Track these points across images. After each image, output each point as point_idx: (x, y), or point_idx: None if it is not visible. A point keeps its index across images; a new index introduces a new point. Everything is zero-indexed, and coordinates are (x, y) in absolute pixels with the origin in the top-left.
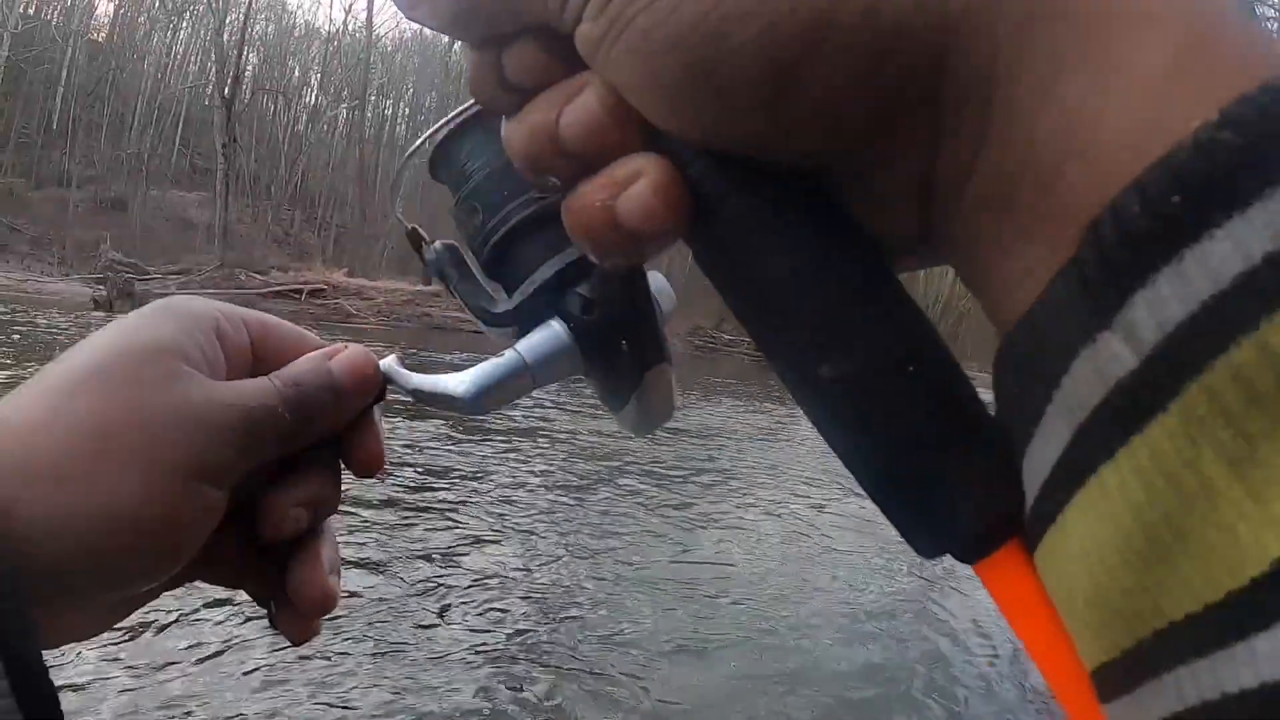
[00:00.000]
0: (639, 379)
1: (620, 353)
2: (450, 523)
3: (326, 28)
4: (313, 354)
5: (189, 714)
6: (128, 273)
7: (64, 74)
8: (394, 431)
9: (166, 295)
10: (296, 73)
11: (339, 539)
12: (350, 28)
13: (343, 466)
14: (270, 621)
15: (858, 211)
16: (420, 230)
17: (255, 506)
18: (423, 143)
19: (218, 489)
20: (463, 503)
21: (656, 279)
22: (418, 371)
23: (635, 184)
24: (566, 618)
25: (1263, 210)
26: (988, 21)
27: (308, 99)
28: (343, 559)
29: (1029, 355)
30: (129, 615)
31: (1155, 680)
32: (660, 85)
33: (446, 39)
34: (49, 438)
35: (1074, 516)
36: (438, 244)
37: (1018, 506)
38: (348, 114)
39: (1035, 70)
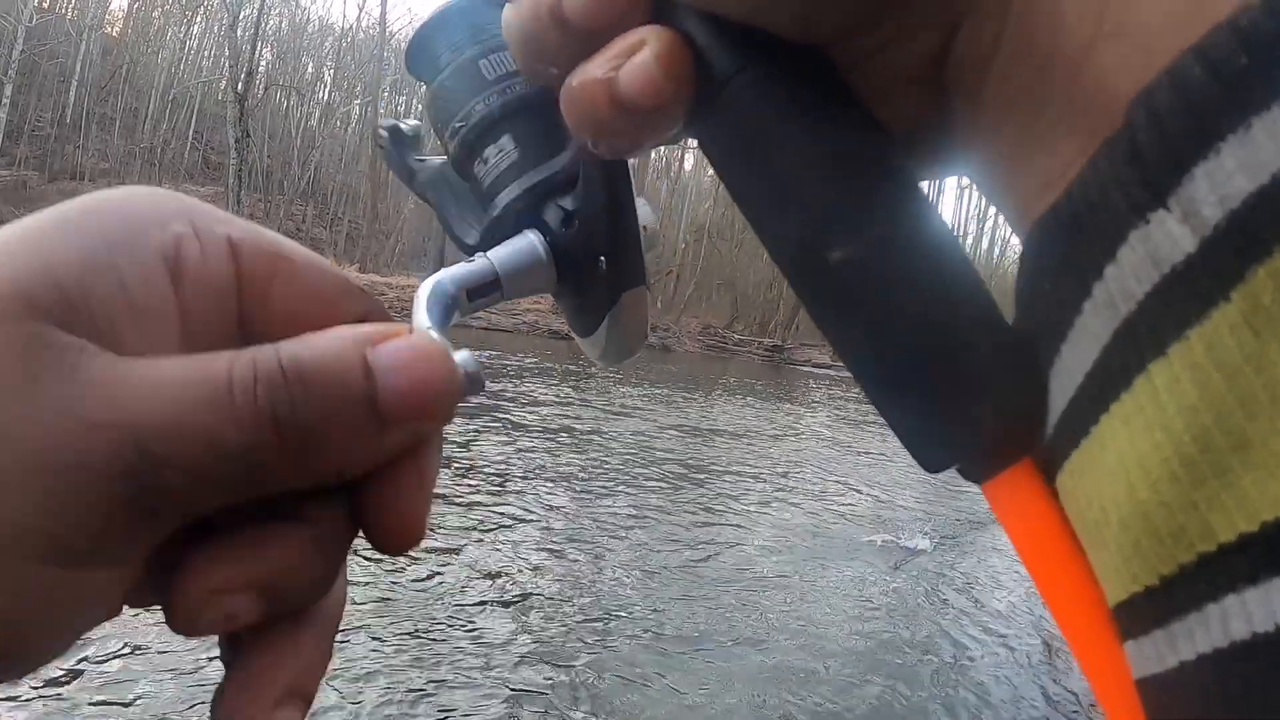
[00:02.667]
0: (615, 300)
1: (598, 272)
2: (472, 518)
3: (340, 23)
4: (345, 331)
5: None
6: None
7: (78, 68)
8: None
9: None
10: (310, 68)
11: None
12: (364, 24)
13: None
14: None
15: (866, 96)
16: (401, 126)
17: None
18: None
19: (102, 569)
20: (487, 495)
21: (639, 200)
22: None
23: (638, 53)
24: (586, 610)
25: None
26: None
27: (321, 95)
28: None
29: (1064, 246)
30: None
31: (1196, 612)
32: None
33: None
34: None
35: (1113, 425)
36: (427, 164)
37: (1033, 423)
38: (360, 110)
39: None
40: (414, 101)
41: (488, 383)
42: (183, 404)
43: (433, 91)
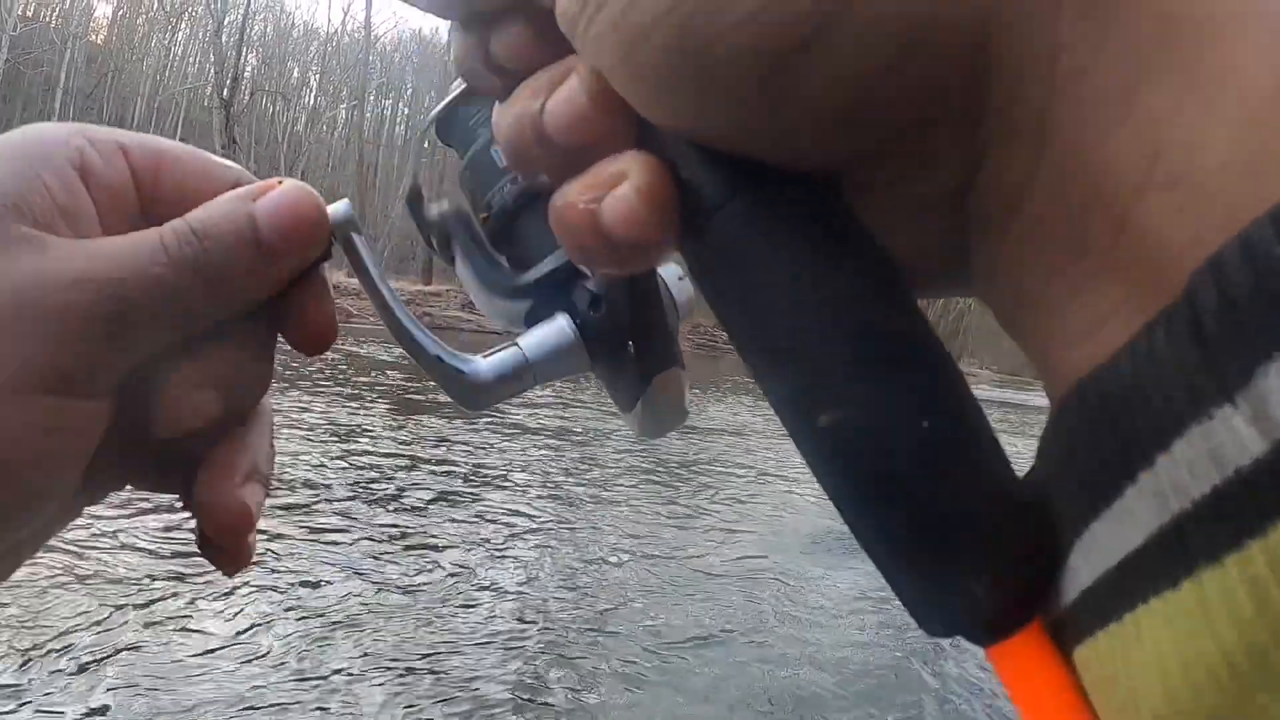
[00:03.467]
0: (646, 384)
1: (627, 354)
2: (469, 516)
3: (325, 28)
4: (230, 194)
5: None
6: None
7: (63, 76)
8: (420, 426)
9: None
10: (295, 73)
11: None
12: (348, 28)
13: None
14: (199, 543)
15: (875, 228)
16: (420, 186)
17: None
18: (442, 108)
19: (87, 399)
20: (484, 492)
21: (672, 273)
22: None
23: (620, 186)
24: (583, 606)
25: None
26: (1045, 8)
27: (306, 99)
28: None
29: (1109, 420)
30: (36, 550)
31: None
32: (643, 68)
33: (445, 38)
34: None
35: (1152, 620)
36: (445, 204)
37: (1042, 593)
38: (347, 114)
39: (1109, 73)
40: (400, 105)
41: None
42: (139, 261)
43: (465, 165)
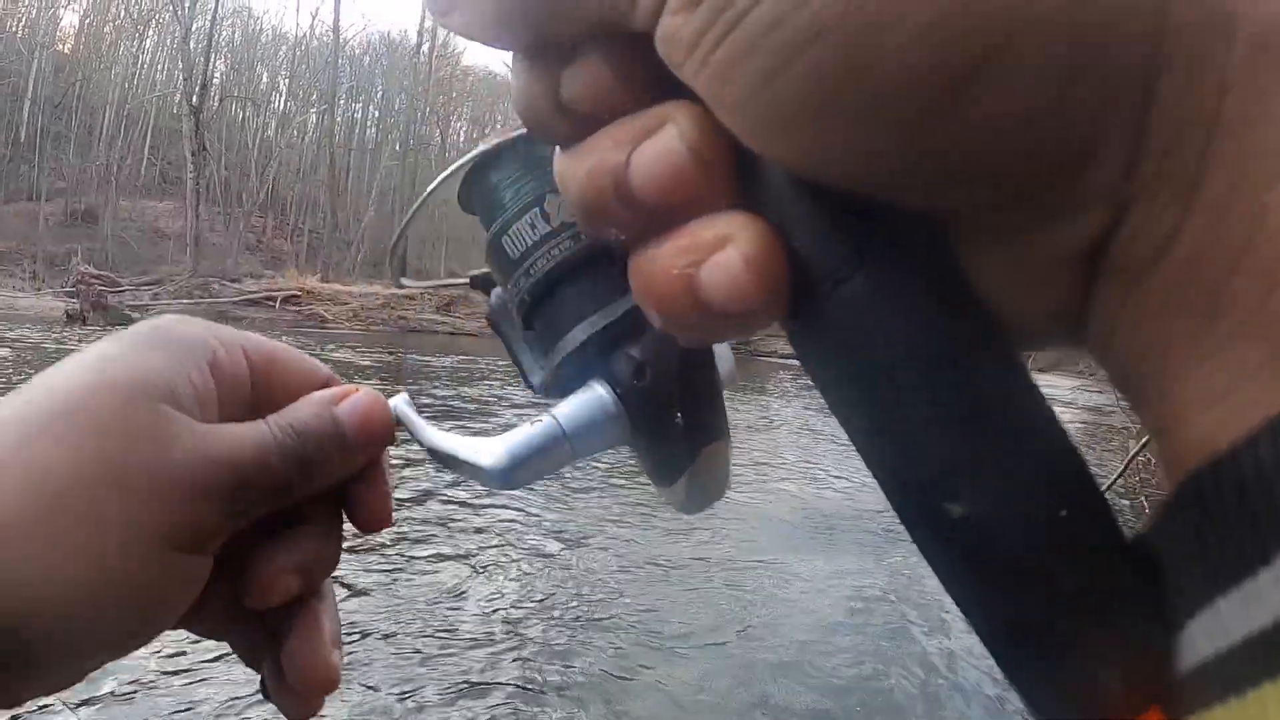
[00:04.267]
0: (694, 456)
1: (674, 425)
2: (456, 517)
3: (293, 32)
4: (317, 396)
5: None
6: (100, 285)
7: (30, 86)
8: None
9: (140, 307)
10: (264, 78)
11: None
12: (317, 31)
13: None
14: (263, 692)
15: (994, 282)
16: (484, 276)
17: (242, 564)
18: (442, 180)
19: (202, 555)
20: (470, 493)
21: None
22: (432, 421)
23: (722, 251)
24: (574, 602)
25: None
26: (1224, 39)
27: (276, 104)
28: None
29: (1246, 503)
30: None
31: None
32: (784, 101)
33: (414, 40)
34: (9, 480)
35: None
36: (496, 295)
37: (1163, 666)
38: (317, 118)
39: (1277, 122)
40: (370, 109)
41: (465, 389)
42: (255, 450)
43: (493, 236)
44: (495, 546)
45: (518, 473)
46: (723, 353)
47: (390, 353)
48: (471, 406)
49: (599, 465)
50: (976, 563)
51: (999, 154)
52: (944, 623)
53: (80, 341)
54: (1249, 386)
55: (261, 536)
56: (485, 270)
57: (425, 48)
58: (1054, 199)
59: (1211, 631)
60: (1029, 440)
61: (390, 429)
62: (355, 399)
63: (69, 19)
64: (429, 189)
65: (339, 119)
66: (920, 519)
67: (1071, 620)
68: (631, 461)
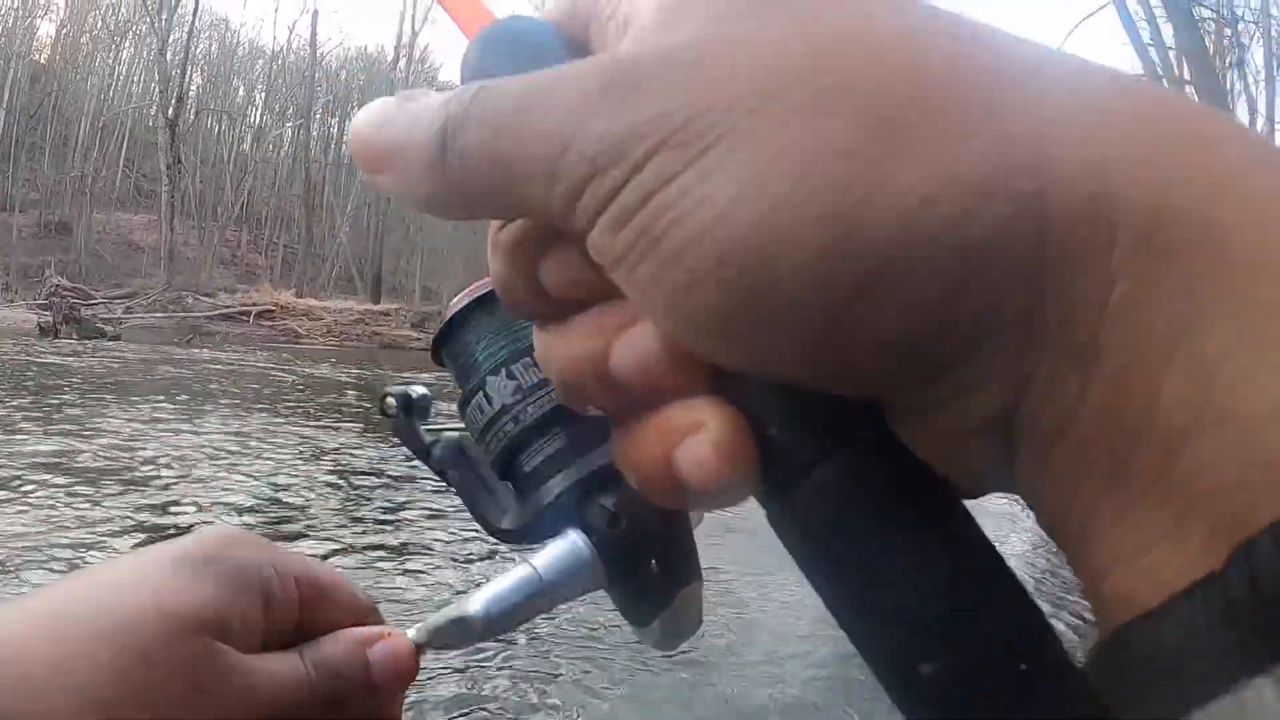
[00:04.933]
0: (669, 599)
1: (649, 571)
2: (441, 527)
3: (271, 46)
4: (353, 637)
5: None
6: (73, 298)
7: (5, 95)
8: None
9: (113, 320)
10: (241, 92)
11: None
12: (294, 45)
13: None
14: None
15: (922, 452)
16: (411, 393)
17: None
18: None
19: None
20: (452, 506)
21: None
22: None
23: (695, 436)
24: (559, 615)
25: None
26: (1102, 235)
27: (252, 118)
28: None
29: (1146, 670)
30: None
31: None
32: (697, 312)
33: (390, 55)
34: (47, 706)
35: None
36: (443, 439)
37: None
38: (293, 133)
39: (1162, 307)
40: (345, 123)
41: (438, 405)
42: (293, 685)
43: (467, 394)
44: (478, 559)
45: (498, 622)
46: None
47: (367, 368)
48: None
49: None
50: (947, 717)
51: (893, 354)
52: None
53: (55, 354)
54: (1159, 547)
55: None
56: (398, 392)
57: (402, 64)
58: (953, 383)
59: None
60: (987, 601)
61: (415, 672)
62: (388, 647)
63: (45, 28)
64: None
65: (315, 134)
66: (893, 678)
67: None
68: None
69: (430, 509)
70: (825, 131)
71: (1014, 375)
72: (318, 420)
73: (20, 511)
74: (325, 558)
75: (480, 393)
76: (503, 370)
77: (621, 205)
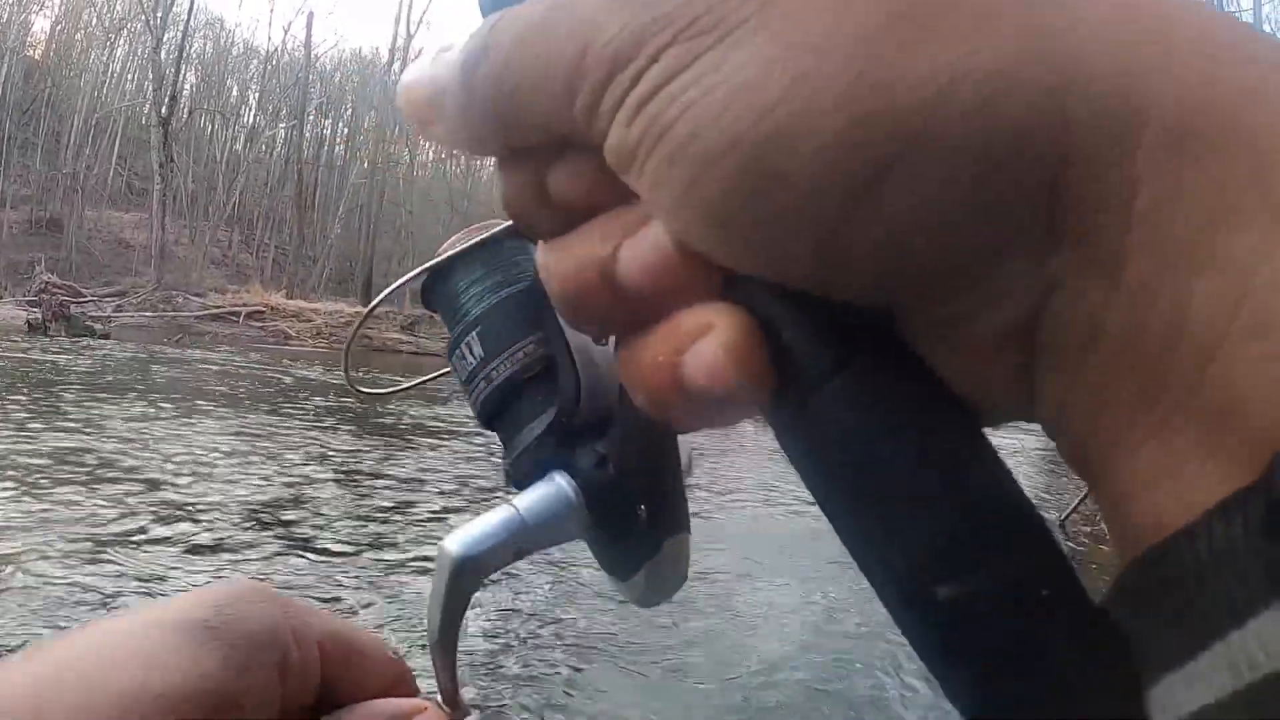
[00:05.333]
0: (656, 548)
1: (636, 518)
2: (429, 536)
3: (265, 47)
4: (380, 711)
5: None
6: (63, 295)
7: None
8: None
9: (102, 318)
10: (235, 92)
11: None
12: (289, 46)
13: None
14: None
15: (940, 367)
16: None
17: None
18: (422, 271)
19: None
20: (443, 512)
21: (684, 441)
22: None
23: (703, 339)
24: (546, 623)
25: None
26: (1126, 134)
27: (246, 118)
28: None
29: (1186, 591)
30: None
31: None
32: (710, 204)
33: (386, 58)
34: None
35: None
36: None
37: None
38: (286, 134)
39: (1192, 211)
40: (339, 125)
41: (441, 409)
42: None
43: (456, 338)
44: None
45: (477, 560)
46: (685, 446)
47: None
48: (461, 427)
49: None
50: (963, 645)
51: (910, 253)
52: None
53: (43, 351)
54: (1189, 467)
55: None
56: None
57: (396, 66)
58: (973, 289)
59: (1164, 706)
60: (1010, 523)
61: None
62: None
63: (40, 24)
64: (397, 285)
65: (308, 135)
66: (907, 603)
67: (1057, 698)
68: None
69: (438, 509)
70: (847, 17)
71: (1035, 283)
72: (320, 421)
73: (45, 510)
74: (337, 555)
75: (466, 340)
76: (493, 318)
77: (636, 96)
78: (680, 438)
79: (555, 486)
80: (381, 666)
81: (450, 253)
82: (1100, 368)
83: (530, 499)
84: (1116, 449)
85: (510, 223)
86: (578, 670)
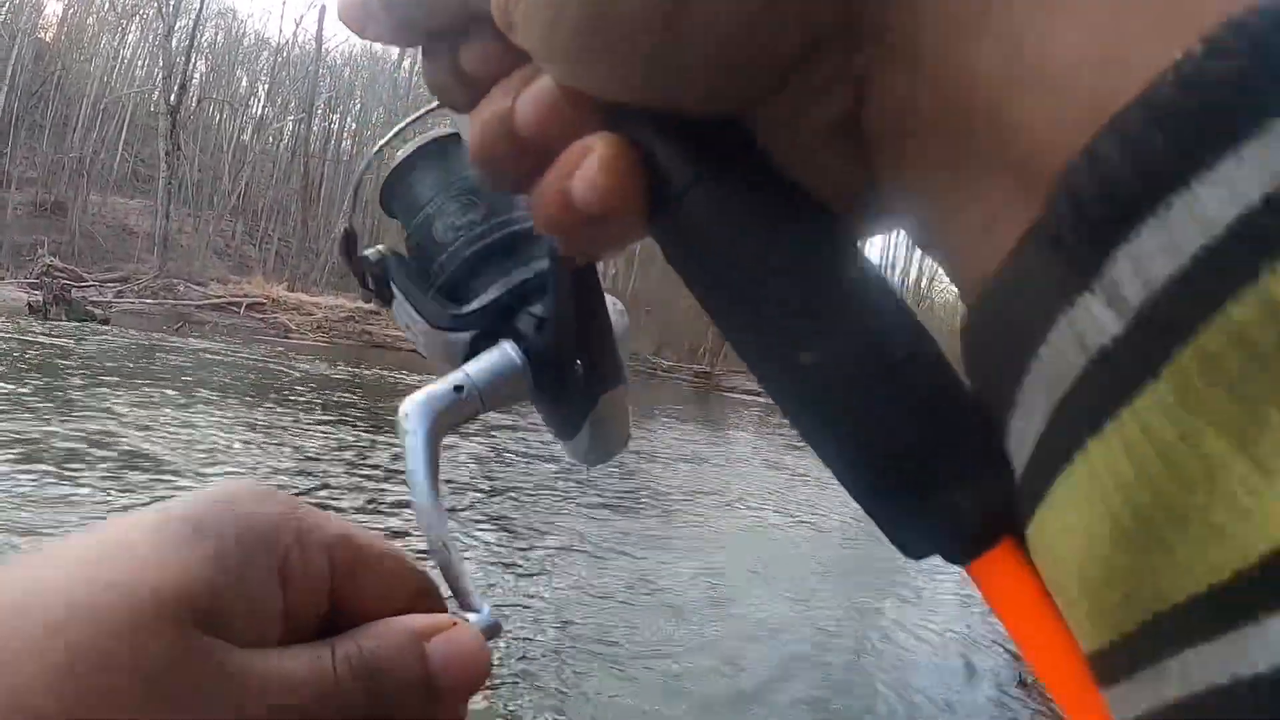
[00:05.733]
0: (594, 402)
1: (575, 374)
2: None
3: (276, 38)
4: (405, 626)
5: None
6: (65, 279)
7: (9, 72)
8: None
9: (103, 304)
10: (244, 82)
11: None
12: (300, 39)
13: None
14: None
15: (791, 166)
16: (355, 230)
17: None
18: (386, 142)
19: None
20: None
21: (611, 302)
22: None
23: (584, 160)
24: (538, 630)
25: (1259, 148)
26: None
27: (254, 109)
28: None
29: (1000, 324)
30: None
31: (1157, 664)
32: (563, 43)
33: (396, 55)
34: None
35: (1061, 496)
36: (381, 247)
37: (1009, 500)
38: (294, 126)
39: None
40: (347, 120)
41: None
42: (310, 691)
43: (413, 230)
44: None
45: (434, 418)
46: (617, 309)
47: (358, 366)
48: (468, 427)
49: (559, 494)
50: (831, 408)
51: (727, 58)
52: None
53: (42, 335)
54: (1002, 220)
55: None
56: (350, 230)
57: (406, 63)
58: (795, 91)
59: (1017, 450)
60: (865, 294)
61: (486, 675)
62: (455, 639)
63: (52, 7)
64: (362, 167)
65: (316, 128)
66: (778, 375)
67: (923, 453)
68: (590, 492)
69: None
70: None
71: (848, 78)
72: (328, 413)
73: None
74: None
75: (429, 227)
76: (444, 211)
77: None
78: (615, 313)
79: (500, 351)
80: (402, 579)
81: (404, 152)
82: (918, 145)
83: (478, 364)
84: (945, 216)
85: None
86: (578, 673)
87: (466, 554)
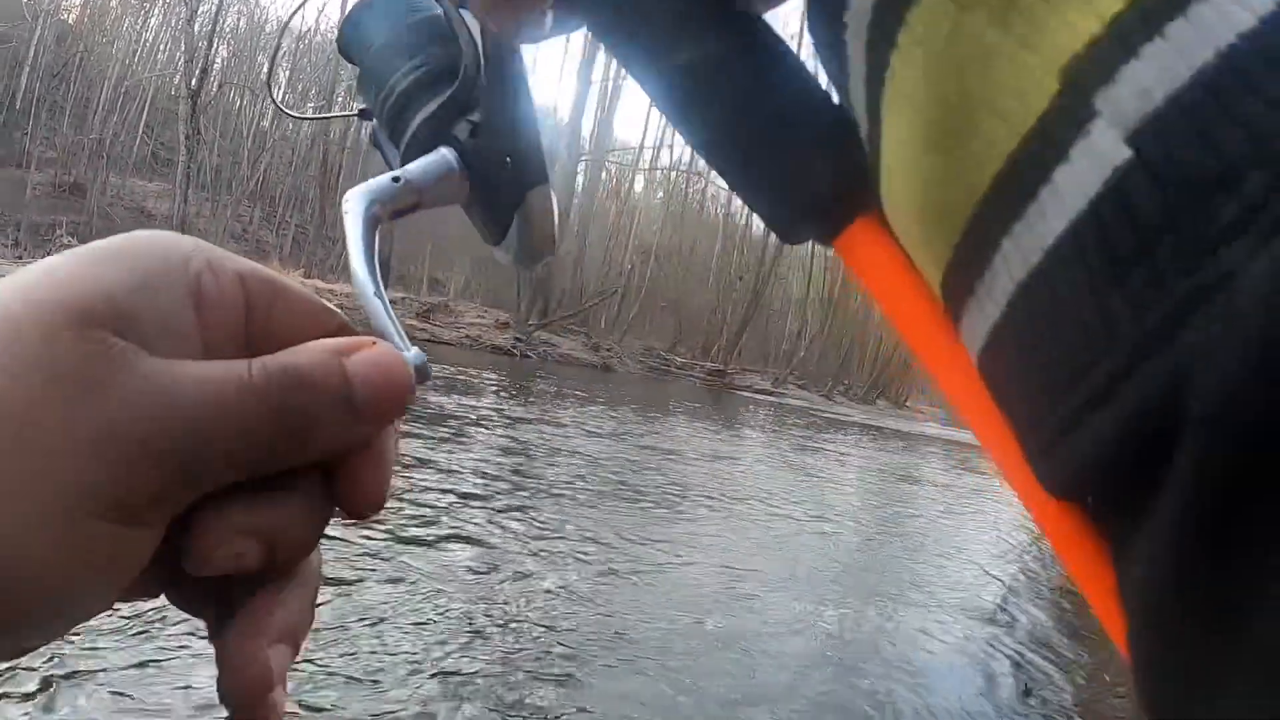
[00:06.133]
0: (521, 197)
1: (504, 171)
2: (416, 536)
3: (298, 25)
4: (323, 343)
5: None
6: None
7: (31, 53)
8: None
9: None
10: (265, 68)
11: None
12: (322, 27)
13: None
14: (219, 694)
15: None
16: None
17: (188, 519)
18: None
19: (141, 528)
20: (430, 511)
21: (545, 112)
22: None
23: None
24: (537, 626)
25: None
26: None
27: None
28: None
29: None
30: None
31: (989, 269)
32: None
33: None
34: None
35: (888, 125)
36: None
37: (865, 182)
38: (315, 113)
39: None
40: None
41: (463, 399)
42: (225, 398)
43: (364, 70)
44: (448, 565)
45: (369, 201)
46: (548, 119)
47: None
48: (471, 415)
49: (562, 489)
50: (709, 103)
51: None
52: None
53: None
54: None
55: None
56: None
57: None
58: None
59: (856, 106)
60: (730, 13)
61: (408, 398)
62: (372, 355)
63: None
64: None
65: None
66: (660, 75)
67: (791, 132)
68: (593, 485)
69: (457, 496)
70: None
71: None
72: None
73: None
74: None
75: (370, 73)
76: (386, 52)
77: None
78: (542, 117)
79: (438, 154)
80: (318, 316)
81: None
82: None
83: (416, 164)
84: None
85: None
86: (578, 674)
87: (493, 539)
